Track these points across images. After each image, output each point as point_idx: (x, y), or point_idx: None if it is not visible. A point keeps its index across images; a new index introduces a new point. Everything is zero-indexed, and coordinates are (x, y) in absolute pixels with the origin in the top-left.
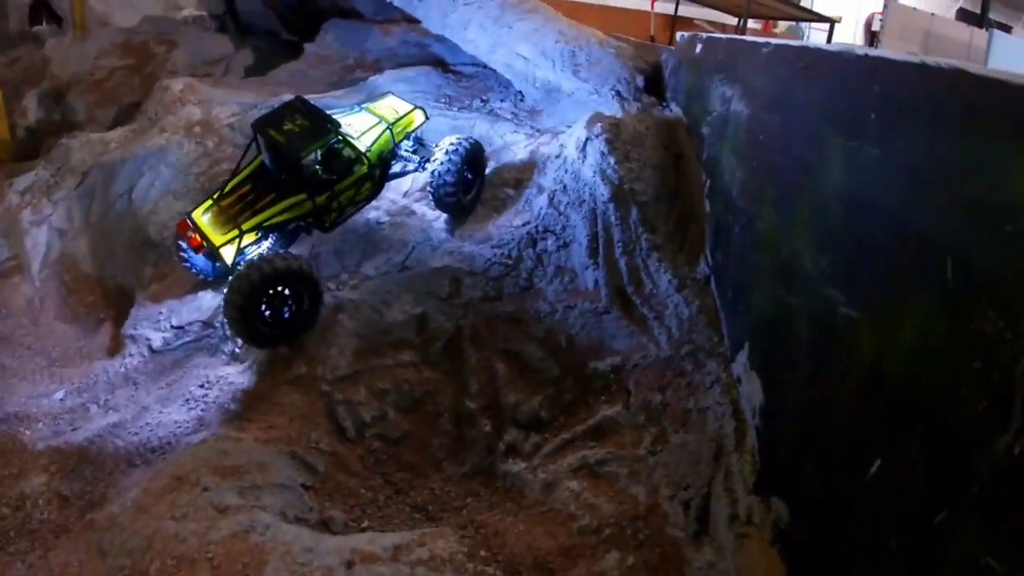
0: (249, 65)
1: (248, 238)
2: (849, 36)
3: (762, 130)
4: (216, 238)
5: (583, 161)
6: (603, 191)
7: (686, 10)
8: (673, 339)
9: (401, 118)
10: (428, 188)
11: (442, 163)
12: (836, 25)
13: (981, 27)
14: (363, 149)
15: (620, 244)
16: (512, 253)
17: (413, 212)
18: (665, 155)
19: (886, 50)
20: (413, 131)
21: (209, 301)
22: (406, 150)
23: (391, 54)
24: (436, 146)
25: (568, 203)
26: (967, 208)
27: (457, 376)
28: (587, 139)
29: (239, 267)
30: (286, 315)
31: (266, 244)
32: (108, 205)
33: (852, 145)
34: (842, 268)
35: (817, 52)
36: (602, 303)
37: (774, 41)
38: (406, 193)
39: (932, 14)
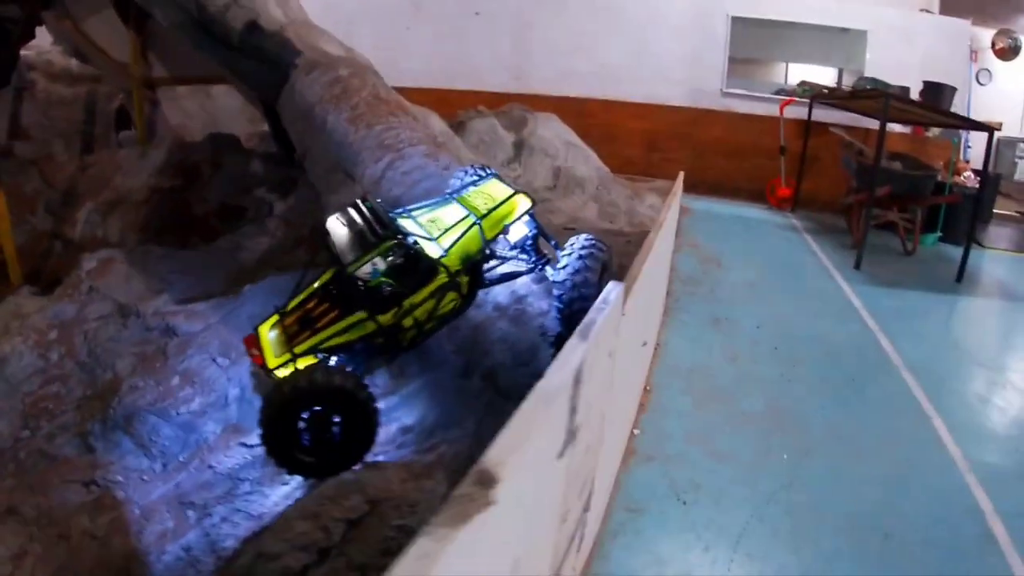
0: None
1: (304, 362)
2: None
3: None
4: (271, 360)
5: None
6: None
7: (821, 114)
8: None
9: (495, 208)
10: (554, 299)
11: (575, 269)
12: (996, 132)
13: None
14: (441, 252)
15: None
16: None
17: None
18: None
19: None
20: (513, 222)
21: None
22: (515, 247)
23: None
24: (562, 247)
25: None
26: None
27: None
28: None
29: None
30: (335, 440)
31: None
32: None
33: None
34: None
35: None
36: None
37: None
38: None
39: None
